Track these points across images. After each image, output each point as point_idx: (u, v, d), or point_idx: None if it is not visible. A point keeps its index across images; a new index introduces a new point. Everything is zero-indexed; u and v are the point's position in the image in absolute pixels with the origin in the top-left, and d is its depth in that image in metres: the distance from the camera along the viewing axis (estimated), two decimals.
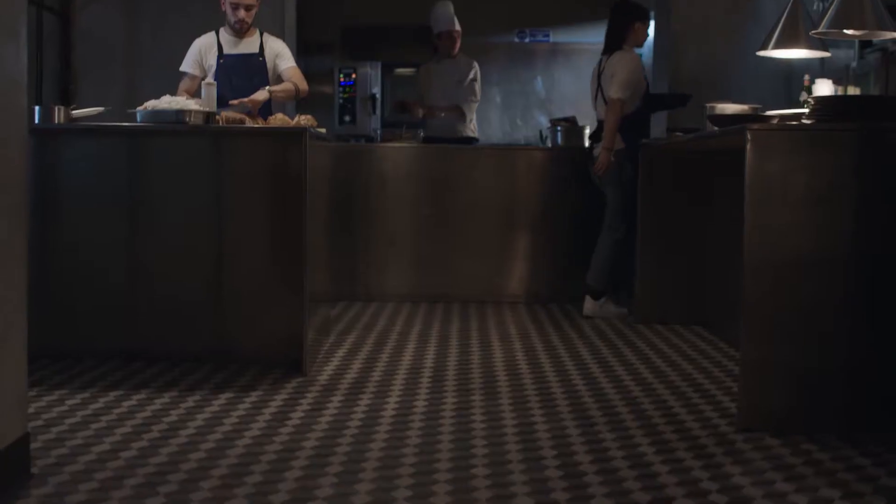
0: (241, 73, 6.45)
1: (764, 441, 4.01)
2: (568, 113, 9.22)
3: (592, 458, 3.75)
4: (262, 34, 6.55)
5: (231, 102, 6.11)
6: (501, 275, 7.88)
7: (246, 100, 6.13)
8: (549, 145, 8.44)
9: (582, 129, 8.08)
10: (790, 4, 5.77)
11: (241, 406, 4.46)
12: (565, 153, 7.97)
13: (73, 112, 5.48)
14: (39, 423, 4.11)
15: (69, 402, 4.49)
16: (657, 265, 6.87)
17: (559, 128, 8.15)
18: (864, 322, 4.11)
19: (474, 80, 8.42)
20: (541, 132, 9.95)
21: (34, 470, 3.53)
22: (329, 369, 5.26)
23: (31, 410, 4.00)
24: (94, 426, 4.11)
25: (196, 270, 5.42)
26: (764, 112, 5.26)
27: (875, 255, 4.11)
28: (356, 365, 5.38)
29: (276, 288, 5.37)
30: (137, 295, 5.40)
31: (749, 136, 4.10)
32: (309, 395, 4.69)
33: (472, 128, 8.54)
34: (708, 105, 5.69)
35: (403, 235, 7.90)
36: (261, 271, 5.40)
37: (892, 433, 4.05)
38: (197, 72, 6.52)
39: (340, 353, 5.72)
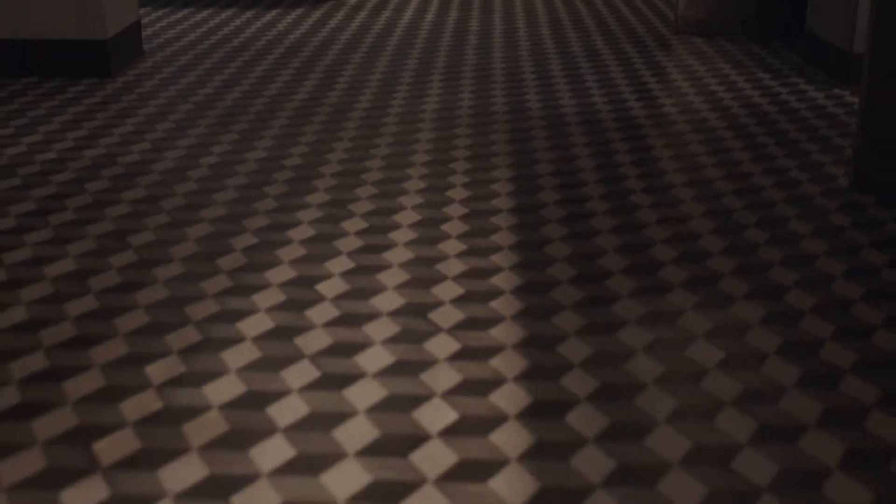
0: None
1: (691, 39, 5.24)
2: None
3: (556, 45, 5.02)
4: None
5: None
6: None
7: None
8: None
9: None
10: None
11: (292, 14, 5.70)
12: None
13: None
14: None
15: (154, 15, 5.74)
16: None
17: None
18: None
19: None
20: None
21: (145, 48, 4.84)
22: None
23: None
24: (179, 27, 5.39)
25: None
26: None
27: None
28: None
29: None
30: None
31: None
32: (342, 10, 5.92)
33: None
34: None
35: None
36: None
37: (790, 37, 5.26)
38: None
39: None
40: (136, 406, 1.90)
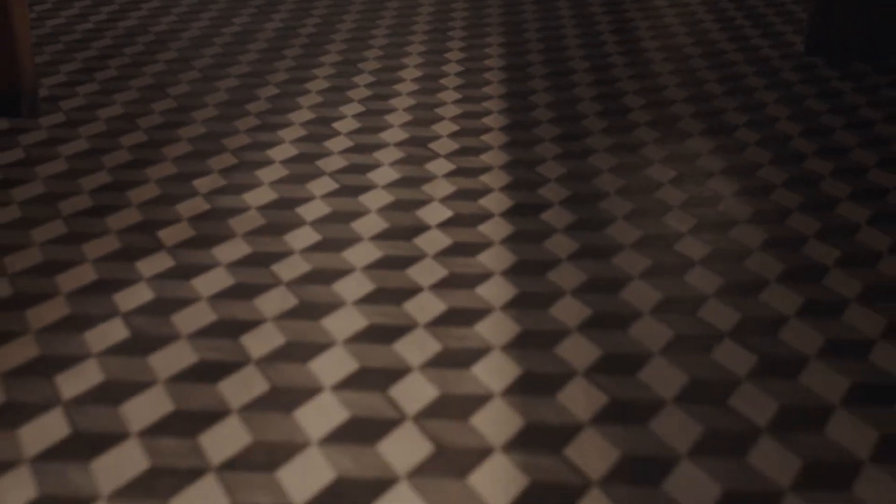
0: None
1: None
2: None
3: None
4: None
5: None
6: None
7: None
8: None
9: None
10: None
11: None
12: None
13: None
14: None
15: None
16: None
17: None
18: None
19: None
20: None
21: None
22: None
23: None
24: None
25: None
26: None
27: None
28: None
29: None
30: None
31: None
32: None
33: None
34: None
35: None
36: None
37: None
38: None
39: None
40: (189, 207, 2.32)
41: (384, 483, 1.47)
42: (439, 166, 2.53)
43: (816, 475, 1.49)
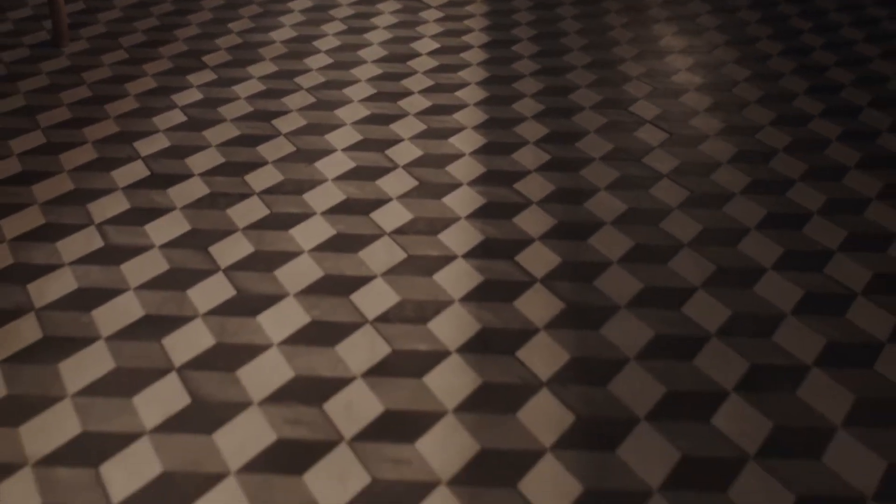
0: None
1: None
2: None
3: None
4: None
5: None
6: None
7: None
8: None
9: None
10: None
11: None
12: None
13: None
14: None
15: None
16: None
17: None
18: None
19: None
20: None
21: None
22: None
23: None
24: None
25: None
26: None
27: None
28: None
29: None
30: None
31: None
32: None
33: None
34: None
35: None
36: None
37: None
38: None
39: None
40: (226, 41, 2.84)
41: (380, 202, 2.02)
42: (431, 14, 3.05)
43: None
